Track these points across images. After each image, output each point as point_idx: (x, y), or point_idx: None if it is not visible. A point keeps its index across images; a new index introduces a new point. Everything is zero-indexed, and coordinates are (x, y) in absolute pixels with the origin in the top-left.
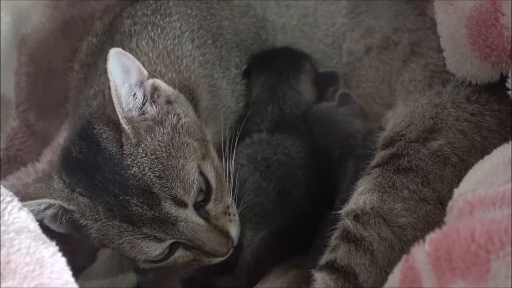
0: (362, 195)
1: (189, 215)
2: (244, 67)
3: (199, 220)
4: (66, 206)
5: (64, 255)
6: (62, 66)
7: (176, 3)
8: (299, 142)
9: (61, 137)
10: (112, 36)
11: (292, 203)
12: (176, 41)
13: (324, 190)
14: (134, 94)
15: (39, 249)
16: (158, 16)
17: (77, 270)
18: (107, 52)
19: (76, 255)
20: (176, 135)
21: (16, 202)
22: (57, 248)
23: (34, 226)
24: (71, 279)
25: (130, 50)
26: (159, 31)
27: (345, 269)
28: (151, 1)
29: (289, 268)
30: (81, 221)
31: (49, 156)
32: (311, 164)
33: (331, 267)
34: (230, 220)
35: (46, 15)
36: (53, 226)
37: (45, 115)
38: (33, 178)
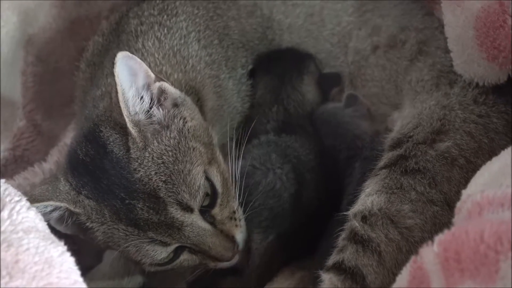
0: (369, 196)
1: (195, 220)
2: (250, 67)
3: (205, 225)
4: (72, 208)
5: (71, 255)
6: (69, 65)
7: (182, 3)
8: (307, 144)
9: (68, 137)
10: (118, 36)
11: (302, 206)
12: (183, 41)
13: (331, 192)
14: (141, 98)
15: (47, 248)
16: (165, 16)
17: (84, 270)
18: (115, 54)
19: (83, 255)
20: (182, 139)
21: (24, 202)
22: (65, 247)
23: (43, 225)
24: (80, 279)
25: (136, 50)
26: (165, 31)
27: (352, 270)
28: (157, 1)
29: (296, 269)
30: (87, 224)
31: (56, 156)
32: (319, 166)
33: (339, 268)
34: (236, 225)
35: (53, 15)
36: (59, 228)
37: (52, 115)
38: (40, 178)
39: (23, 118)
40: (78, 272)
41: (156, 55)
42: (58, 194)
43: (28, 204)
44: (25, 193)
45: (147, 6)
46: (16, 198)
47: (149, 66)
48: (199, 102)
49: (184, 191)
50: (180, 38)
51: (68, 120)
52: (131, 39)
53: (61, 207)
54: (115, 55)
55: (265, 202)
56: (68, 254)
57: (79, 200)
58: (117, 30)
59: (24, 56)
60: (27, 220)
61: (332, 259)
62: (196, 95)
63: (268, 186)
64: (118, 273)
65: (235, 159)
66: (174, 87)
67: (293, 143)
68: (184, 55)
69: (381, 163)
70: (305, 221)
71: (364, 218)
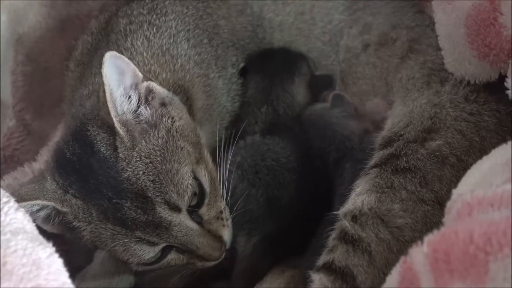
0: (360, 196)
1: (183, 220)
2: (242, 65)
3: (193, 225)
4: (59, 207)
5: (61, 255)
6: (59, 65)
7: (172, 3)
8: (290, 145)
9: (58, 137)
10: (107, 35)
11: (283, 207)
12: (172, 40)
13: (319, 192)
14: (129, 97)
15: (35, 250)
16: (154, 15)
17: (74, 270)
18: (103, 53)
19: (73, 255)
20: (170, 138)
21: (12, 203)
22: (53, 249)
23: (31, 227)
24: (68, 281)
25: (125, 50)
26: (154, 30)
27: (342, 270)
28: (147, 0)
29: (286, 268)
30: (74, 223)
31: (46, 156)
32: (303, 167)
33: (329, 268)
34: (223, 225)
35: (43, 14)
36: (46, 227)
37: (42, 115)
38: (29, 177)
39: (13, 118)
40: (67, 274)
41: (145, 54)
42: (45, 193)
43: (16, 205)
44: (14, 193)
45: (137, 5)
46: (4, 199)
47: (138, 66)
48: (188, 102)
49: (172, 190)
50: (169, 37)
51: (58, 119)
52: (120, 39)
53: (48, 206)
54: (103, 55)
55: (245, 205)
56: (56, 255)
57: (66, 199)
58: (106, 29)
59: (14, 55)
60: (15, 221)
61: (322, 259)
62: (184, 94)
63: (244, 191)
64: (108, 272)
65: (223, 159)
66: (163, 86)
67: (274, 146)
68: (173, 54)
69: (372, 162)
70: (290, 222)
71: (354, 218)
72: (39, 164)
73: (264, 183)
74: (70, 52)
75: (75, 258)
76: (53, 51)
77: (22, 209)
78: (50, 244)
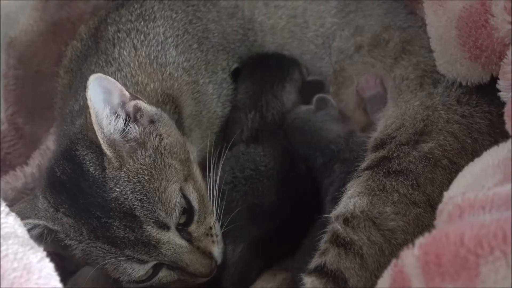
0: (352, 198)
1: (172, 238)
2: (235, 65)
3: (182, 242)
4: (50, 226)
5: (54, 259)
6: (51, 68)
7: (161, 8)
8: (272, 151)
9: (50, 141)
10: (97, 42)
11: (265, 213)
12: (160, 47)
13: (305, 194)
14: (117, 117)
15: (26, 254)
16: (142, 22)
17: (67, 274)
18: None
19: (66, 259)
20: (158, 156)
21: (3, 207)
22: (45, 253)
23: (22, 231)
24: (59, 285)
25: (114, 60)
26: (142, 37)
27: (334, 273)
28: (136, 6)
29: (278, 271)
30: (66, 241)
31: (38, 160)
32: (285, 172)
33: (321, 271)
34: (213, 241)
35: (34, 17)
36: (40, 246)
37: (34, 118)
38: (22, 181)
39: (4, 122)
40: (58, 278)
41: (132, 65)
42: (36, 211)
43: (7, 209)
44: (6, 198)
45: (125, 11)
46: None
47: (126, 78)
48: (177, 109)
49: (160, 209)
50: (157, 45)
51: (50, 123)
52: (109, 48)
53: (39, 224)
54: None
55: (229, 216)
56: (47, 260)
57: (58, 218)
58: (96, 36)
59: (5, 59)
60: (6, 226)
61: (314, 262)
62: (173, 103)
63: (226, 202)
64: (101, 276)
65: (213, 172)
66: (151, 97)
67: (254, 156)
68: (161, 62)
69: (364, 164)
70: (276, 225)
71: (346, 221)
72: (31, 168)
73: (242, 194)
74: (61, 57)
75: (68, 262)
76: (44, 54)
77: (13, 214)
78: (41, 249)
